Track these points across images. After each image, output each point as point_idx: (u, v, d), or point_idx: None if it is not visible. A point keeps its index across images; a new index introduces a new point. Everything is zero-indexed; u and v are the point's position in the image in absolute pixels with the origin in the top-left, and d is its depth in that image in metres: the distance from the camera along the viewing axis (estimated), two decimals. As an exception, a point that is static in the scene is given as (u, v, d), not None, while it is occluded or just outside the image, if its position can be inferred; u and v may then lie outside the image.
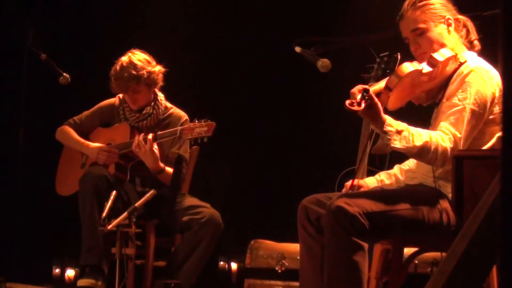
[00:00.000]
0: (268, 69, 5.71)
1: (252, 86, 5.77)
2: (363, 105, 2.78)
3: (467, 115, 2.89)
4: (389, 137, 2.81)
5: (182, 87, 5.37)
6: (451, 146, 2.84)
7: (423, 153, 2.83)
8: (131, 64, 4.43)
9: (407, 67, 2.92)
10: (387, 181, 3.29)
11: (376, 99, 2.82)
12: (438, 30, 3.06)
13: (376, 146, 2.90)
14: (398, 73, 2.90)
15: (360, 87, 2.85)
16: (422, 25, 3.05)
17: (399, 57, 3.00)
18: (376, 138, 3.01)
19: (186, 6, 5.93)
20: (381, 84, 2.96)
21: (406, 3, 3.10)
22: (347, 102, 2.80)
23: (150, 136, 4.26)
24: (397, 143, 2.81)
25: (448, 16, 3.08)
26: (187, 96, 5.18)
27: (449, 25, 3.08)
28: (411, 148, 2.83)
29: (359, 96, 2.80)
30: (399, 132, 2.82)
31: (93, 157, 4.49)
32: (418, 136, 2.83)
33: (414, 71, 2.92)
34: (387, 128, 2.82)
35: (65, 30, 5.86)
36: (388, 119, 2.84)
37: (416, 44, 3.08)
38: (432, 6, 3.07)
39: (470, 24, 3.14)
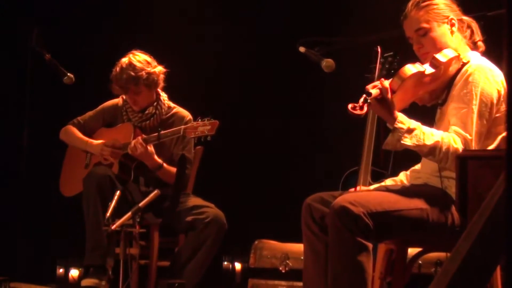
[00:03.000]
0: (272, 68, 5.71)
1: (255, 86, 5.77)
2: (365, 109, 2.79)
3: (475, 117, 2.90)
4: (399, 134, 2.83)
5: (185, 86, 5.37)
6: (463, 148, 2.85)
7: (433, 152, 2.84)
8: (130, 65, 4.43)
9: (410, 69, 2.92)
10: None
11: (389, 94, 2.83)
12: (441, 30, 3.06)
13: (387, 142, 2.91)
14: (401, 75, 2.90)
15: (373, 84, 2.87)
16: (425, 25, 3.06)
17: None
18: (379, 137, 3.01)
19: (189, 6, 5.93)
20: None
21: (410, 3, 3.10)
22: (350, 106, 2.81)
23: (140, 139, 4.27)
24: (408, 141, 2.83)
25: (451, 17, 3.08)
26: (190, 95, 5.18)
27: (452, 25, 3.08)
28: (422, 147, 2.84)
29: (361, 100, 2.81)
30: (410, 130, 2.84)
31: (97, 154, 4.50)
32: (430, 135, 2.84)
33: (417, 72, 2.92)
34: (398, 125, 2.84)
35: (70, 29, 5.86)
36: (400, 116, 2.86)
37: (419, 43, 3.09)
38: (435, 6, 3.07)
39: (474, 25, 3.14)
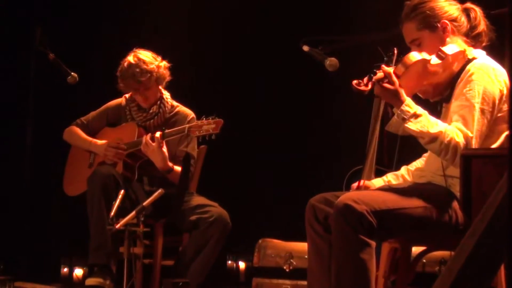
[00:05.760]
0: (275, 68, 5.70)
1: (259, 85, 5.77)
2: (369, 86, 2.81)
3: (476, 114, 2.89)
4: (404, 116, 2.83)
5: (189, 84, 5.37)
6: (464, 143, 2.84)
7: (435, 142, 2.83)
8: (139, 60, 4.45)
9: (415, 56, 2.93)
10: (394, 182, 3.29)
11: (395, 78, 2.84)
12: (435, 37, 3.06)
13: (391, 123, 2.90)
14: (405, 61, 2.91)
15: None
16: (417, 36, 3.08)
17: None
18: (383, 135, 3.01)
19: (192, 4, 5.93)
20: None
21: (403, 13, 3.11)
22: (354, 82, 2.82)
23: (157, 134, 4.26)
24: (412, 125, 2.84)
25: (443, 20, 3.06)
26: (194, 94, 5.18)
27: (444, 29, 3.06)
28: (424, 134, 2.84)
29: (365, 78, 2.83)
30: (417, 115, 2.85)
31: (100, 154, 4.50)
32: (434, 124, 2.85)
33: (422, 60, 2.92)
34: (405, 107, 2.85)
35: (73, 29, 5.86)
36: (408, 100, 2.88)
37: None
38: (425, 14, 3.06)
39: (473, 14, 3.12)
